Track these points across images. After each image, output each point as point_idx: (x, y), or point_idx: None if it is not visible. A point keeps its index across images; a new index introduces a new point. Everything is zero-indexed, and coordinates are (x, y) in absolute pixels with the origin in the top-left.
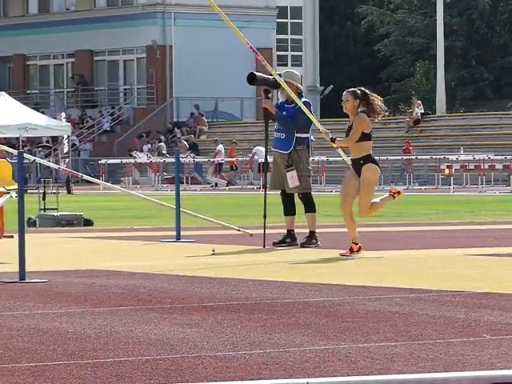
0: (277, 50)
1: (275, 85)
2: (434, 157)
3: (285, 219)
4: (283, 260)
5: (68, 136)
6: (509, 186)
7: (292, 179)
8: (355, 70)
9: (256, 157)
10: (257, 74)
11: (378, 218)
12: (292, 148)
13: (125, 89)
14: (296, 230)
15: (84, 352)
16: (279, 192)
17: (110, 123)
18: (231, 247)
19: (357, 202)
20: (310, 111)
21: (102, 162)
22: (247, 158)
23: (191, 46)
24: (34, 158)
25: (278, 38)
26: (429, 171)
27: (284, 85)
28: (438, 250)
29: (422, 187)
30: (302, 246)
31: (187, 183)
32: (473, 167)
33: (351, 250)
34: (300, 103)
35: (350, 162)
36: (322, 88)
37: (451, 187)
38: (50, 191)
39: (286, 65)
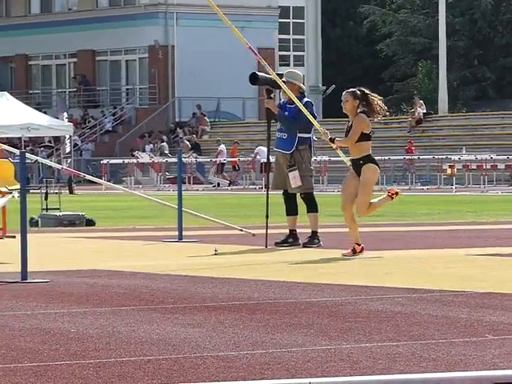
0: (279, 50)
1: (277, 85)
2: (436, 157)
3: (287, 219)
4: (285, 260)
5: (70, 136)
6: (511, 185)
7: (294, 179)
8: (357, 69)
9: (258, 157)
10: (259, 73)
11: (379, 218)
12: (294, 148)
13: (127, 89)
14: (298, 230)
15: (86, 352)
16: (281, 192)
17: (112, 123)
18: (233, 247)
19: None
20: (312, 111)
21: (104, 161)
22: (249, 158)
23: (193, 46)
24: (36, 157)
25: (280, 38)
26: (431, 171)
27: (283, 86)
28: (440, 250)
29: (424, 187)
30: (304, 245)
31: (189, 183)
32: (475, 167)
33: (354, 251)
34: (299, 103)
35: (348, 163)
36: (324, 88)
37: (453, 187)
38: (52, 191)
39: (288, 65)
